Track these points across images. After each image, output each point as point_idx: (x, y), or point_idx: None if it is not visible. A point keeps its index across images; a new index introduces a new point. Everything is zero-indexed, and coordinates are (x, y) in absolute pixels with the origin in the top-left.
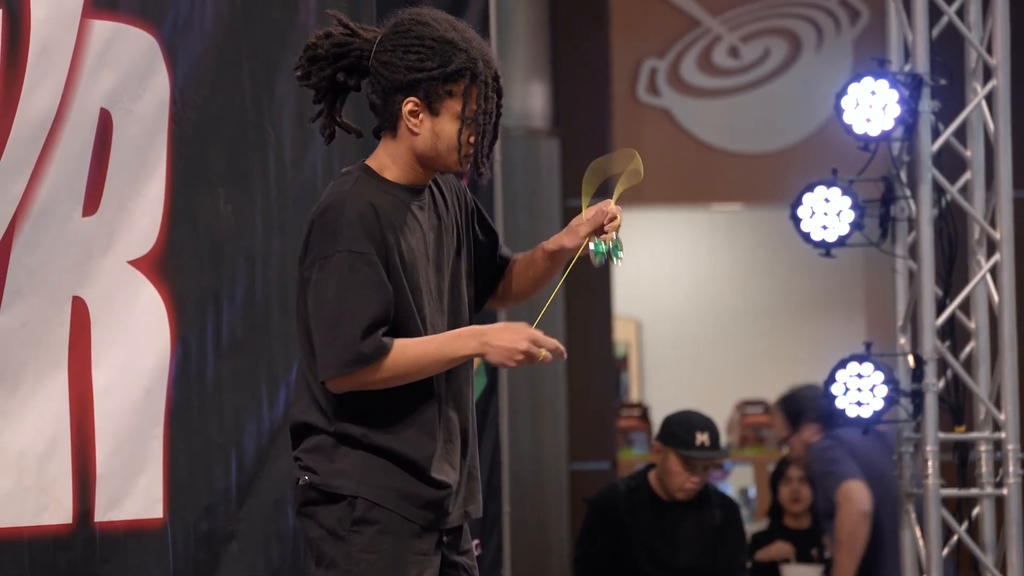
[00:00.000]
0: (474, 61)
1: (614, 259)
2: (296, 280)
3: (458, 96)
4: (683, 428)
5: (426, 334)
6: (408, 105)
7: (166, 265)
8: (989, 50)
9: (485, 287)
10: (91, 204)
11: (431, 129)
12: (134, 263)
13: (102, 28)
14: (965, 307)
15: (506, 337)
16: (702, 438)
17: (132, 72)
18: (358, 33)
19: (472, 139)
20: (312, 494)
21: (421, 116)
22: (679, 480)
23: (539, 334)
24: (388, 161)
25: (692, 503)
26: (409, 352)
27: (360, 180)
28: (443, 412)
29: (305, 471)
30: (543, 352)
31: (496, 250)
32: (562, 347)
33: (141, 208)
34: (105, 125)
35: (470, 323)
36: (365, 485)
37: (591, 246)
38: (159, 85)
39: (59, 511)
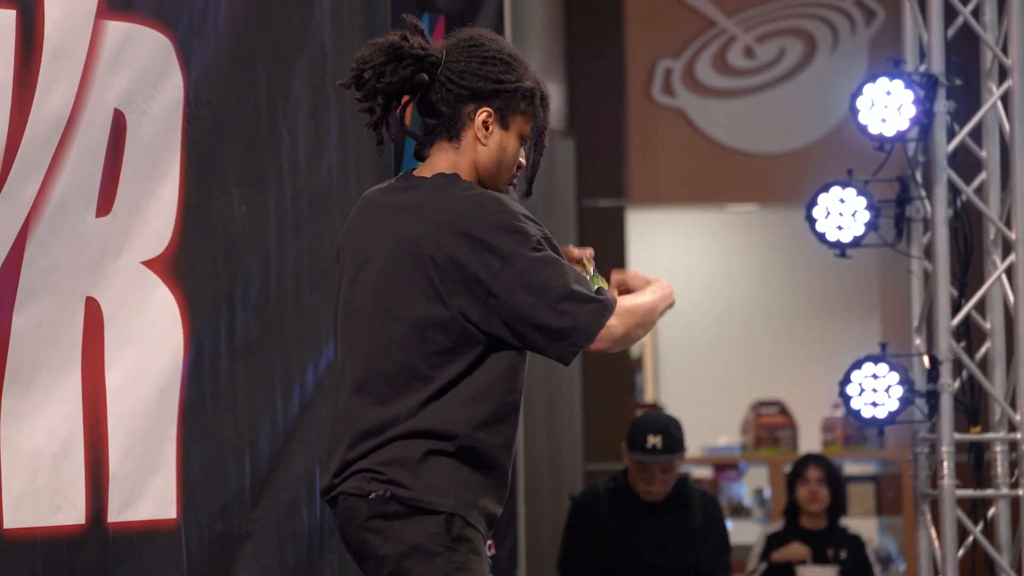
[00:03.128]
0: (539, 83)
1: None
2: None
3: (527, 114)
4: (637, 431)
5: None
6: (482, 115)
7: (180, 266)
8: (1004, 50)
9: None
10: (105, 205)
11: (499, 142)
12: (148, 264)
13: (116, 29)
14: (980, 307)
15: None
16: (653, 440)
17: (146, 73)
18: (430, 41)
19: (523, 161)
20: (394, 507)
21: (493, 128)
22: (638, 483)
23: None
24: (458, 172)
25: (671, 503)
26: (631, 300)
27: (473, 185)
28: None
29: (387, 484)
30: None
31: None
32: None
33: (155, 209)
34: (119, 126)
35: None
36: (462, 503)
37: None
38: (173, 86)
39: (72, 511)
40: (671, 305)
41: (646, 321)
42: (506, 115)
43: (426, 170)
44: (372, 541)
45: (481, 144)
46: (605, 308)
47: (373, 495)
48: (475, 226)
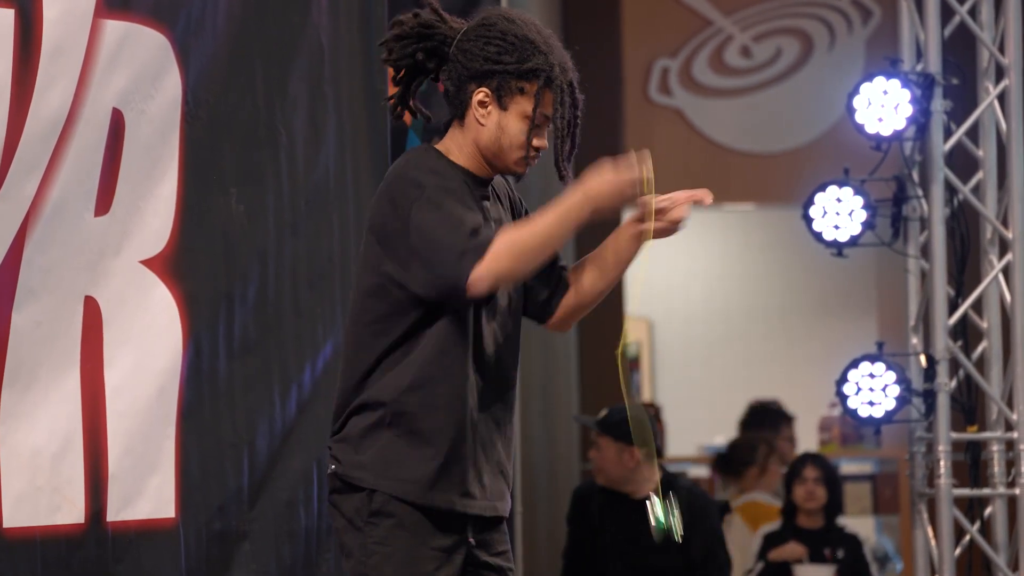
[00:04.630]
0: (551, 65)
1: (674, 532)
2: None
3: (530, 96)
4: (609, 409)
5: (472, 329)
6: (479, 95)
7: (178, 265)
8: (1001, 49)
9: (542, 298)
10: (103, 204)
11: (497, 123)
12: (146, 263)
13: (114, 28)
14: (977, 307)
15: (605, 179)
16: (604, 415)
17: (144, 72)
18: (446, 20)
19: (536, 143)
20: (336, 483)
21: (490, 108)
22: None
23: (640, 162)
24: (454, 148)
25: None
26: (524, 229)
27: (428, 151)
28: (479, 403)
29: (332, 460)
30: (644, 170)
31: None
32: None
33: (153, 208)
34: (117, 125)
35: (515, 335)
36: (384, 479)
37: (648, 505)
38: (171, 85)
39: (72, 511)
40: (600, 198)
41: (531, 253)
42: (503, 96)
43: (436, 144)
44: (330, 514)
45: (480, 124)
46: (471, 255)
47: (328, 470)
48: (386, 190)
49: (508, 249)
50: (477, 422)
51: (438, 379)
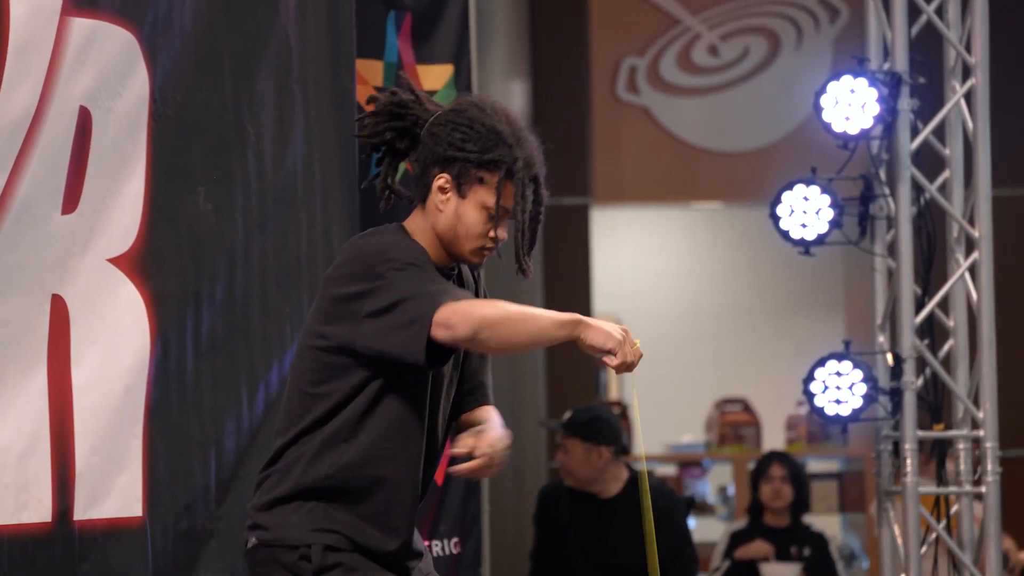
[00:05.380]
0: (515, 159)
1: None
2: (274, 279)
3: (490, 186)
4: (574, 410)
5: (427, 419)
6: (440, 180)
7: (146, 263)
8: (968, 48)
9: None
10: (70, 202)
11: (455, 210)
12: (114, 261)
13: (81, 26)
14: (944, 305)
15: (603, 324)
16: (568, 415)
17: (112, 70)
18: (422, 101)
19: (493, 234)
20: (261, 554)
21: (449, 195)
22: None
23: (630, 336)
24: (416, 231)
25: (625, 501)
26: (510, 305)
27: (398, 231)
28: (413, 475)
29: (253, 531)
30: (636, 345)
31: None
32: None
33: (121, 206)
34: (84, 123)
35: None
36: (315, 532)
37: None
38: (139, 83)
39: (39, 509)
40: (572, 331)
41: (505, 323)
42: (462, 183)
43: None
44: None
45: (438, 210)
46: (445, 296)
47: (249, 544)
48: (353, 258)
49: (492, 305)
50: (407, 490)
51: (376, 459)
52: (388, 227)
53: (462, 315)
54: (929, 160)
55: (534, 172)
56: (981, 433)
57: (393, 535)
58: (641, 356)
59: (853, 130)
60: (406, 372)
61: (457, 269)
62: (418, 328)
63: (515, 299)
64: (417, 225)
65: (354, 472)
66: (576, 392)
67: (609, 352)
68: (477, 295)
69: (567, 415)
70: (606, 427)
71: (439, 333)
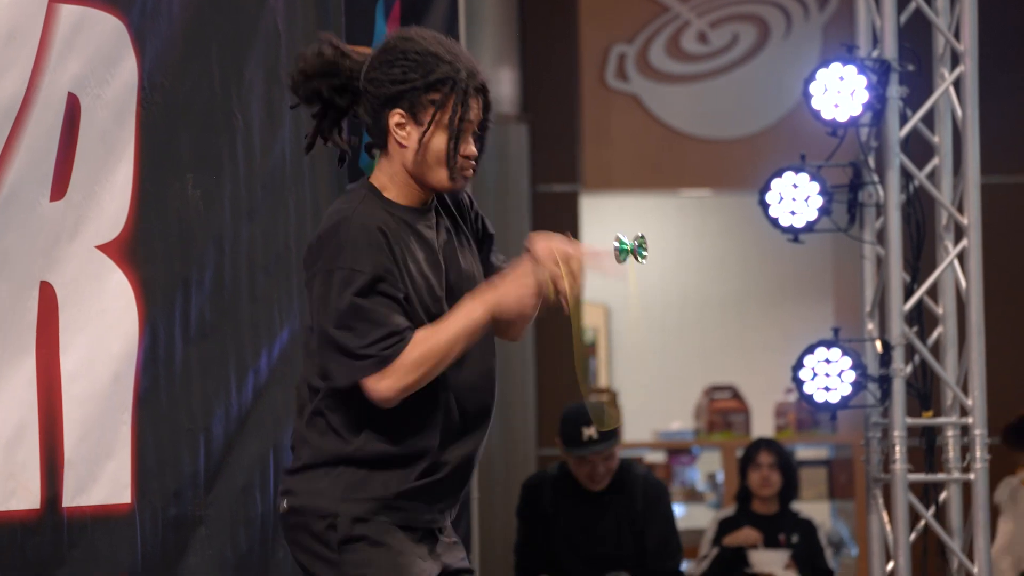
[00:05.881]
0: (457, 71)
1: (638, 258)
2: (263, 266)
3: (444, 107)
4: (570, 425)
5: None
6: (395, 118)
7: (134, 250)
8: (957, 36)
9: None
10: (59, 189)
11: (418, 140)
12: (102, 248)
13: (70, 12)
14: (933, 293)
15: (512, 291)
16: (588, 432)
17: (100, 57)
18: (348, 55)
19: (464, 150)
20: (292, 519)
21: (408, 128)
22: (581, 476)
23: (543, 262)
24: (386, 181)
25: (613, 491)
26: (432, 341)
27: (367, 199)
28: (451, 439)
29: (284, 496)
30: (561, 282)
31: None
32: (577, 255)
33: (109, 193)
34: (73, 110)
35: (491, 360)
36: (344, 502)
37: (615, 243)
38: (127, 70)
39: (27, 496)
40: (514, 305)
41: (436, 365)
42: (417, 113)
43: (371, 178)
44: (295, 556)
45: (402, 147)
46: (375, 364)
47: (281, 508)
48: (311, 251)
49: (415, 364)
50: (447, 458)
51: (397, 422)
52: (357, 194)
53: (386, 392)
54: (918, 147)
55: (480, 80)
56: (970, 420)
57: (428, 514)
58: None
59: (842, 117)
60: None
61: (437, 209)
62: (349, 374)
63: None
64: (386, 174)
65: (375, 437)
66: (565, 377)
67: (541, 300)
68: (468, 226)
69: (590, 431)
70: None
71: (381, 399)
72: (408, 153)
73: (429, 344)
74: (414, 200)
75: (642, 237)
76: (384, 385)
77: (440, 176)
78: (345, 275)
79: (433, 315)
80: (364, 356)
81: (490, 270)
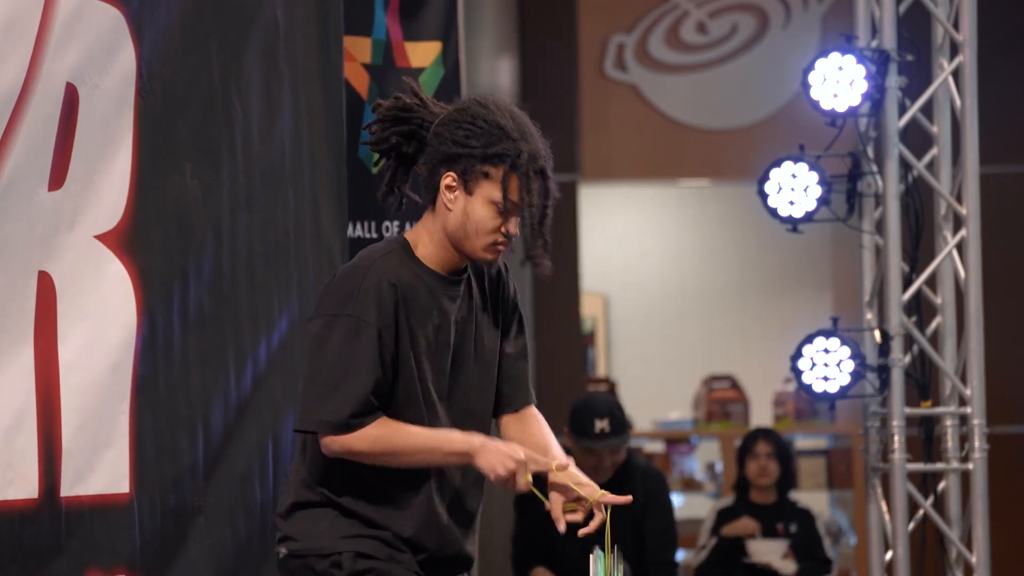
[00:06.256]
0: (519, 151)
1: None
2: (261, 255)
3: (496, 181)
4: (582, 415)
5: (427, 423)
6: (447, 179)
7: (132, 240)
8: (956, 26)
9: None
10: (57, 179)
11: (463, 208)
12: (100, 238)
13: (68, 2)
14: (931, 283)
15: (501, 450)
16: (601, 424)
17: (98, 46)
18: (426, 104)
19: (504, 229)
20: (292, 564)
21: (457, 193)
22: (586, 467)
23: (533, 458)
24: (424, 237)
25: (615, 482)
26: (401, 432)
27: (393, 253)
28: (433, 499)
29: (282, 542)
30: (526, 479)
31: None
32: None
33: (107, 183)
34: (71, 100)
35: (488, 384)
36: (346, 539)
37: (592, 558)
38: (125, 60)
39: (25, 486)
40: (462, 456)
41: (392, 456)
42: (469, 180)
43: (408, 232)
44: None
45: (447, 209)
46: (340, 427)
47: (280, 555)
48: (331, 281)
49: (376, 441)
50: (442, 488)
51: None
52: (387, 247)
53: (334, 447)
54: (917, 138)
55: (540, 165)
56: (968, 410)
57: (414, 528)
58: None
59: (841, 107)
60: (397, 374)
61: (468, 276)
62: (306, 422)
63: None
64: (427, 230)
65: (365, 476)
66: (564, 368)
67: (499, 476)
68: (498, 301)
69: (603, 423)
70: (624, 415)
71: (329, 449)
72: (451, 217)
73: (395, 431)
74: (445, 264)
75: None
76: (336, 440)
77: (475, 247)
78: (351, 323)
79: (431, 384)
80: (331, 417)
81: (503, 357)
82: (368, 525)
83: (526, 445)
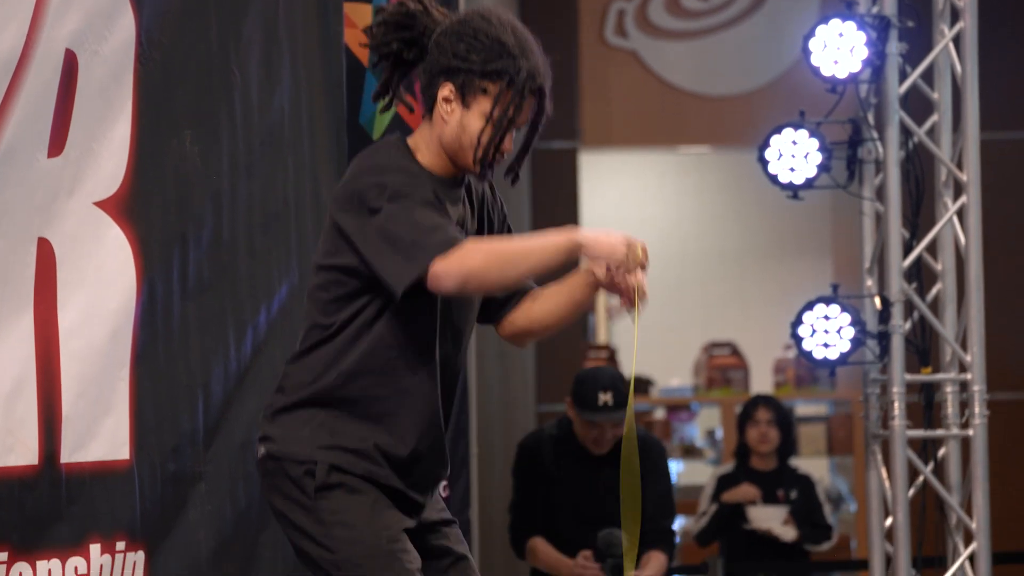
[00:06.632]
0: (518, 69)
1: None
2: (261, 222)
3: (492, 96)
4: (586, 388)
5: (440, 318)
6: (444, 90)
7: (132, 207)
8: None
9: (497, 301)
10: (56, 145)
11: (459, 121)
12: (100, 204)
13: None
14: (932, 249)
15: (603, 237)
16: (604, 398)
17: (98, 13)
18: (429, 12)
19: (497, 144)
20: (269, 465)
21: (453, 105)
22: (587, 439)
23: (630, 240)
24: (421, 144)
25: (614, 453)
26: (501, 242)
27: (400, 146)
28: (428, 397)
29: (262, 443)
30: (639, 254)
31: None
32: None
33: (107, 150)
34: (71, 66)
35: (468, 332)
36: (321, 449)
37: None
38: (125, 26)
39: (25, 453)
40: (569, 251)
41: (503, 264)
42: (466, 94)
43: (408, 138)
44: (270, 501)
45: (444, 120)
46: (435, 248)
47: (259, 454)
48: (352, 182)
49: (481, 251)
50: (423, 416)
51: (385, 370)
52: (390, 141)
53: (449, 270)
54: (917, 104)
55: (538, 83)
56: (969, 376)
57: (404, 446)
58: (645, 266)
59: (841, 74)
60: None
61: (467, 182)
62: (410, 269)
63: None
64: (423, 138)
65: (362, 379)
66: (564, 335)
67: (617, 265)
68: (487, 219)
69: (607, 396)
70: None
71: (428, 283)
72: (447, 129)
73: (498, 243)
74: (444, 171)
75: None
76: (443, 266)
77: (467, 160)
78: (397, 186)
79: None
80: (426, 244)
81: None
82: (350, 437)
83: (547, 308)
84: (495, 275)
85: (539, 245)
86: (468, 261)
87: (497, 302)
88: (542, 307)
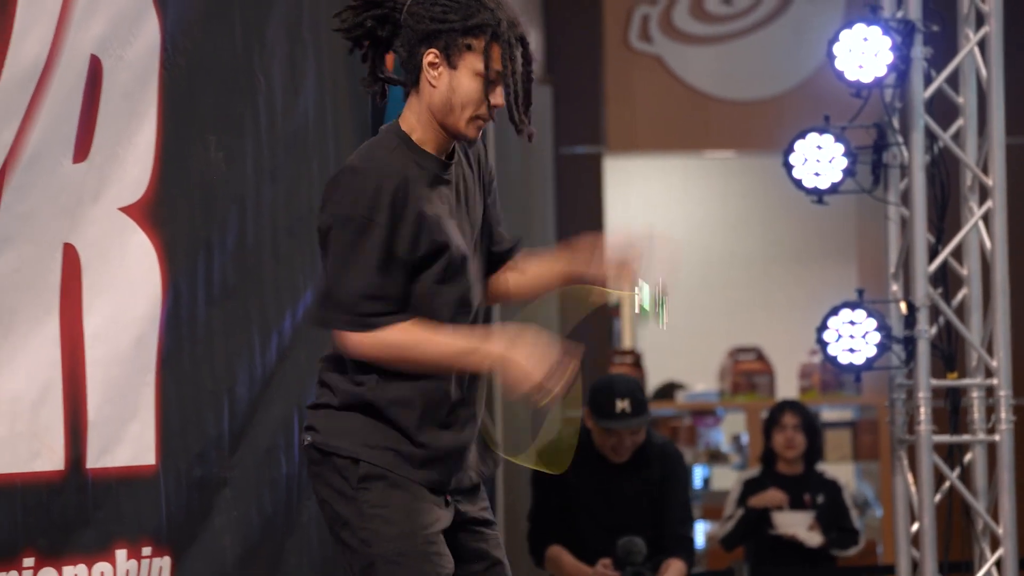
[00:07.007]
0: (498, 20)
1: (659, 320)
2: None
3: (478, 52)
4: (603, 396)
5: (471, 295)
6: (428, 56)
7: (157, 212)
8: None
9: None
10: (81, 151)
11: (448, 83)
12: (125, 210)
13: None
14: (957, 254)
15: (523, 362)
16: (622, 405)
17: (122, 18)
18: None
19: (491, 101)
20: (314, 454)
21: (440, 69)
22: (605, 447)
23: (554, 370)
24: (414, 121)
25: (632, 462)
26: (421, 341)
27: (398, 149)
28: (463, 384)
29: (308, 432)
30: (551, 394)
31: (493, 237)
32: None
33: (132, 155)
34: (95, 72)
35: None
36: (366, 448)
37: (637, 291)
38: (149, 31)
39: (52, 457)
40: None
41: (408, 362)
42: (451, 54)
43: (401, 121)
44: (314, 489)
45: (432, 87)
46: (356, 323)
47: (305, 442)
48: (323, 201)
49: (396, 345)
50: (458, 403)
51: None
52: (385, 142)
53: (360, 346)
54: (943, 108)
55: (519, 32)
56: (995, 381)
57: (450, 472)
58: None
59: (866, 78)
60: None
61: (456, 156)
62: (331, 319)
63: (529, 248)
64: (415, 113)
65: (398, 379)
66: (590, 341)
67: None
68: (483, 181)
69: (624, 403)
70: (645, 395)
71: (338, 340)
72: (436, 94)
73: (417, 340)
74: (439, 146)
75: (663, 296)
76: (358, 339)
77: (459, 122)
78: (361, 225)
79: (450, 243)
80: (356, 311)
81: (487, 214)
82: (392, 435)
83: (527, 286)
84: (397, 366)
85: (455, 353)
86: (377, 351)
87: (494, 260)
88: (522, 284)
